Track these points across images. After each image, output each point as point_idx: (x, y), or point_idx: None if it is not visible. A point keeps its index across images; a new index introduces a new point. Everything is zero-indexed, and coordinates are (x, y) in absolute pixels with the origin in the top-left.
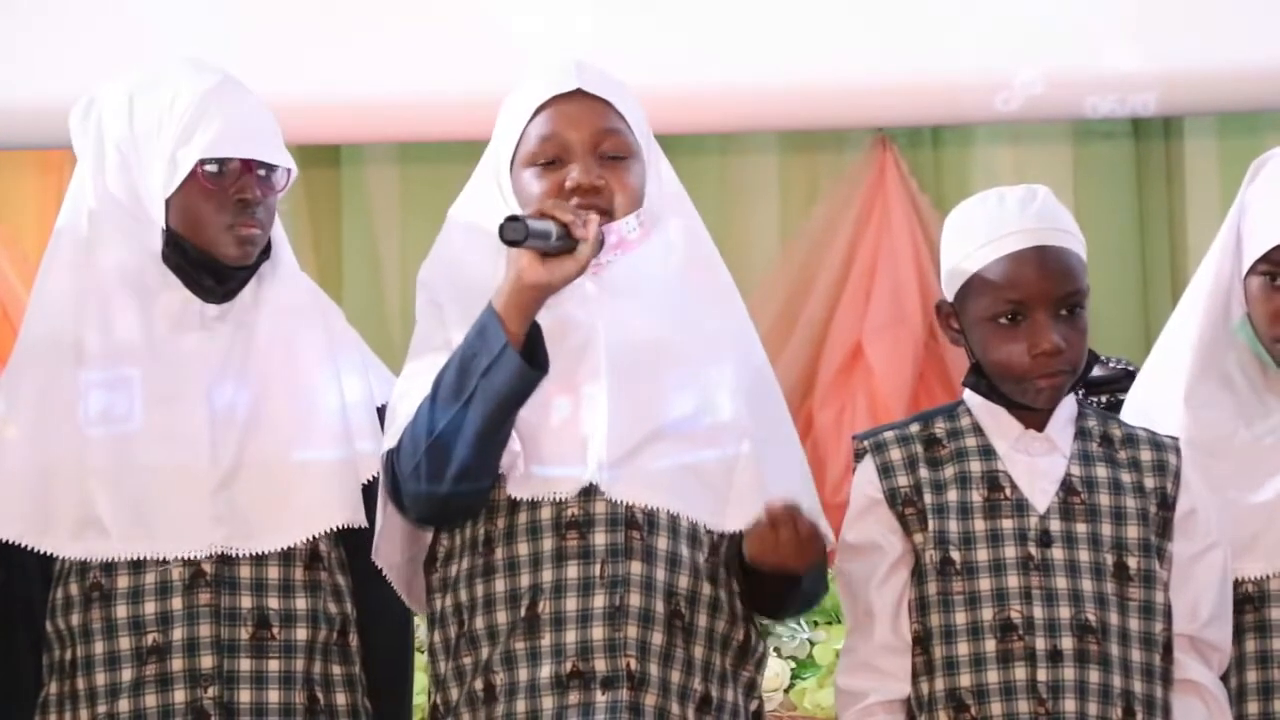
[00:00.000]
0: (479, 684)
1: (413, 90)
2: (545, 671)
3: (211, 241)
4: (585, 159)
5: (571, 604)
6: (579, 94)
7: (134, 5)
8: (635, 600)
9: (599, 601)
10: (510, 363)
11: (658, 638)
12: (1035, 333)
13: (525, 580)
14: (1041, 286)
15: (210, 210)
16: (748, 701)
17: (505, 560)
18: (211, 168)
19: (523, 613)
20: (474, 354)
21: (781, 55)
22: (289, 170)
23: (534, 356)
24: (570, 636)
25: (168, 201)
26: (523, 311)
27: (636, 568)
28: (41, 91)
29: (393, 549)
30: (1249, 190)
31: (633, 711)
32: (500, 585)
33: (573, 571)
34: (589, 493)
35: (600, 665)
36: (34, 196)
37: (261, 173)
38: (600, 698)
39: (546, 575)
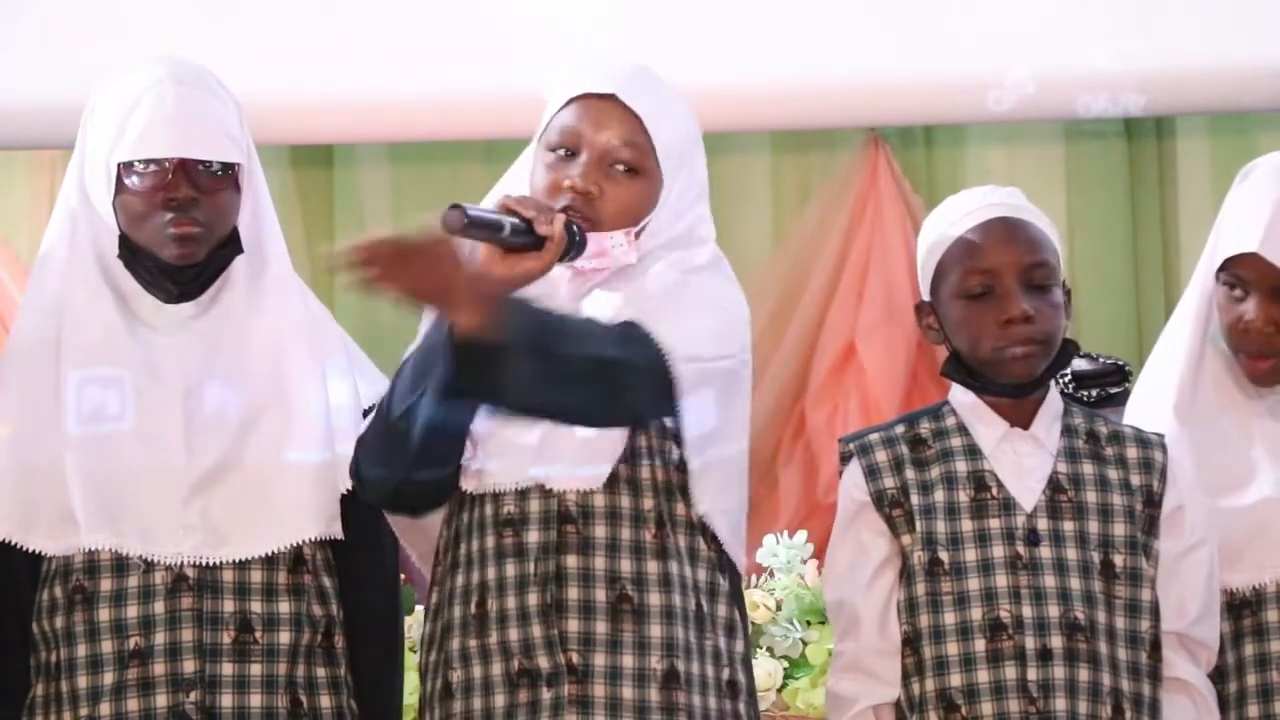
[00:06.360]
0: (439, 681)
1: (405, 90)
2: (496, 669)
3: (151, 243)
4: (590, 164)
5: (511, 602)
6: (612, 99)
7: (124, 5)
8: (574, 594)
9: (533, 600)
10: (449, 353)
11: (601, 627)
12: (1003, 300)
13: (475, 577)
14: (1007, 254)
15: (146, 212)
16: (719, 669)
17: (464, 556)
18: (140, 168)
19: (473, 609)
20: (431, 345)
21: (773, 55)
22: (240, 164)
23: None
24: (513, 634)
25: (116, 205)
26: (475, 305)
27: (572, 561)
28: (32, 92)
29: (407, 546)
30: (1228, 197)
31: (580, 705)
32: (459, 581)
33: (510, 570)
34: (525, 491)
35: (543, 662)
36: (25, 198)
37: (208, 168)
38: (545, 695)
39: (490, 573)
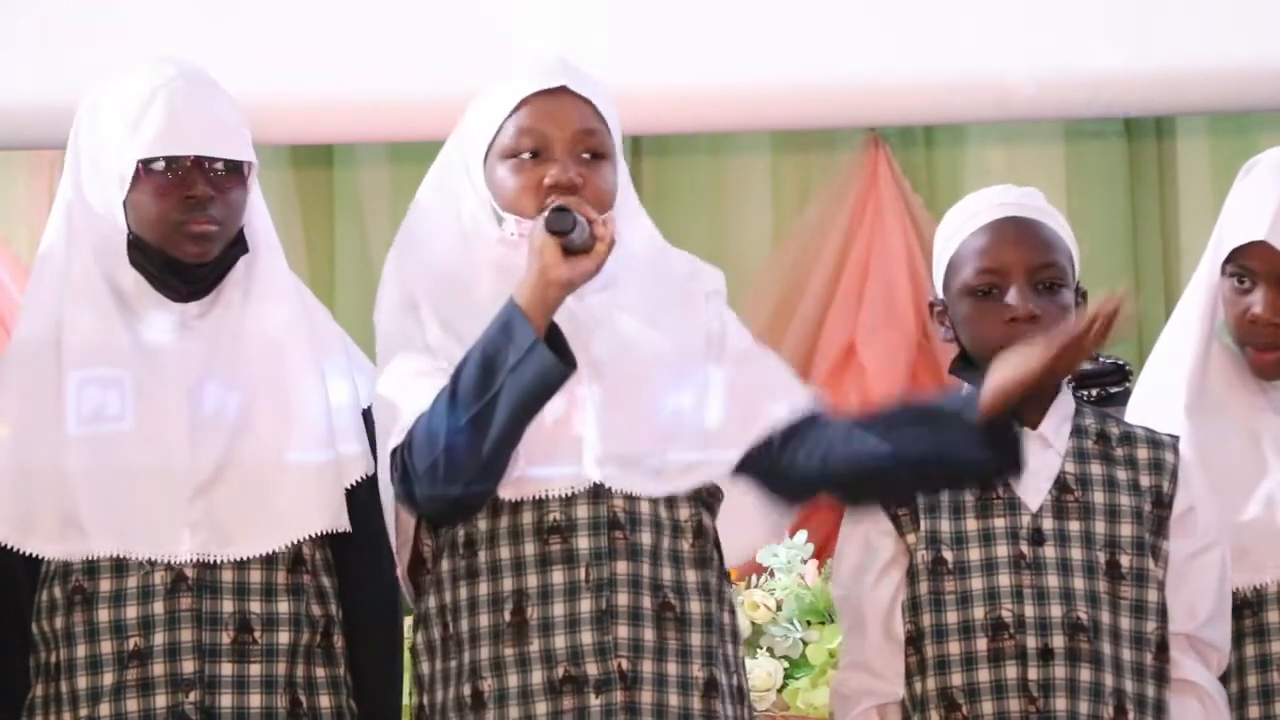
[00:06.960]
0: (466, 689)
1: (406, 90)
2: (537, 678)
3: (166, 241)
4: (565, 157)
5: (559, 609)
6: (563, 91)
7: (123, 5)
8: (623, 600)
9: (585, 606)
10: (541, 358)
11: (649, 634)
12: (1010, 299)
13: (509, 584)
14: (1016, 254)
15: (161, 210)
16: (730, 675)
17: (488, 563)
18: (158, 165)
19: (508, 618)
20: (497, 349)
21: (773, 54)
22: (251, 163)
23: (559, 352)
24: (560, 642)
25: (126, 204)
26: (547, 307)
27: (623, 567)
28: (32, 92)
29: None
30: (1232, 192)
31: (629, 712)
32: (484, 589)
33: (558, 577)
34: (571, 498)
35: (592, 669)
36: (25, 198)
37: (220, 167)
38: (594, 702)
39: (532, 580)
